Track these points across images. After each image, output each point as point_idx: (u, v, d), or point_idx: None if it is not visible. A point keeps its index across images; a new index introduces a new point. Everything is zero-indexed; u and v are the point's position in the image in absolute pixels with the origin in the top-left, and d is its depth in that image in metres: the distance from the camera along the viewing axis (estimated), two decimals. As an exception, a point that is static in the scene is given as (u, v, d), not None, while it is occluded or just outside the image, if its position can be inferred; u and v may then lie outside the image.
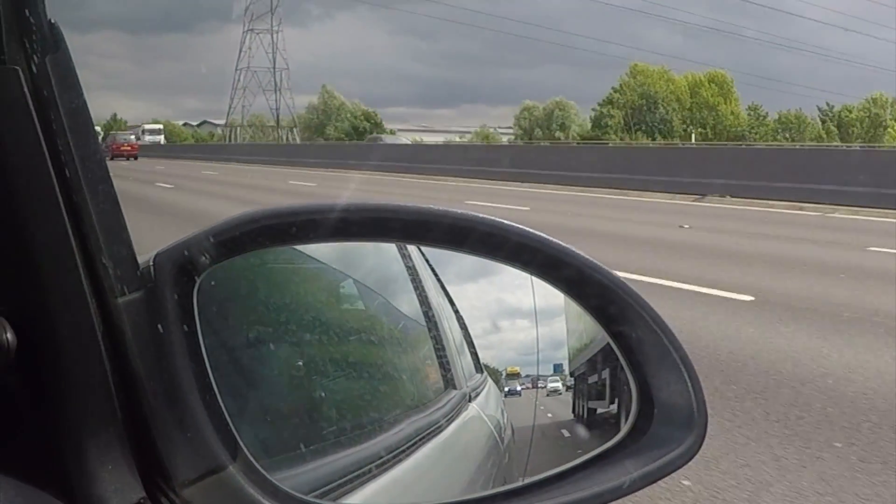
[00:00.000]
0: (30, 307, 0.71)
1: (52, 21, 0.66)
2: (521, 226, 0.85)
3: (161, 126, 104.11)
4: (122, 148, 55.27)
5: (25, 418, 0.73)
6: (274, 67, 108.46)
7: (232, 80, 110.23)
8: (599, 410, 0.97)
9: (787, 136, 77.24)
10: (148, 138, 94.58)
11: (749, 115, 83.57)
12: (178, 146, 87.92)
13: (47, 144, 0.67)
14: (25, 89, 0.66)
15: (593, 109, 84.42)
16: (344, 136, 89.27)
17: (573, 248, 0.87)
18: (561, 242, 0.86)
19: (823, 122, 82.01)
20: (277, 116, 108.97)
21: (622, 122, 79.15)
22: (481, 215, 0.84)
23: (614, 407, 0.93)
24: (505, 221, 0.84)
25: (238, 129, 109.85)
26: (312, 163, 43.50)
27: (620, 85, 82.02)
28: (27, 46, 0.65)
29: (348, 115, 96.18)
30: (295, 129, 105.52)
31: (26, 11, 0.65)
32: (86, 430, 0.72)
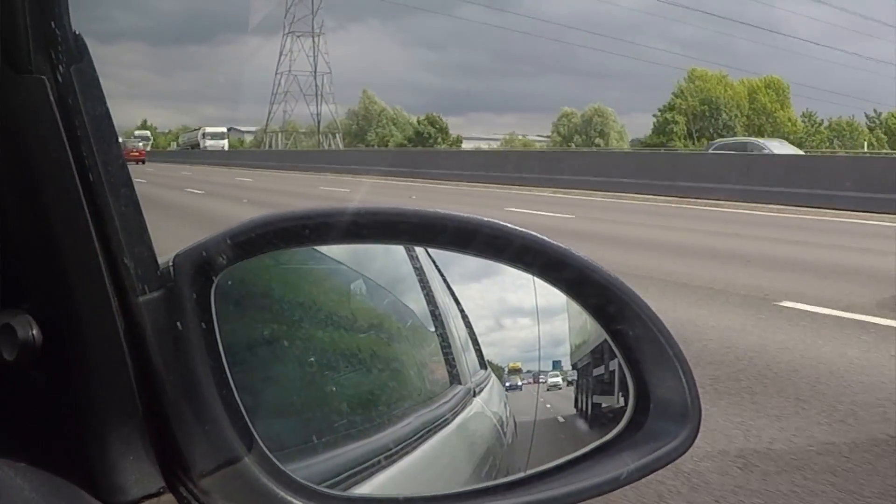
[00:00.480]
0: (55, 305, 0.71)
1: (77, 33, 0.66)
2: (523, 229, 0.85)
3: (224, 130, 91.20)
4: (131, 154, 54.87)
5: (51, 412, 0.73)
6: (315, 71, 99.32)
7: (271, 85, 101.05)
8: (598, 405, 0.96)
9: (840, 143, 74.62)
10: (209, 143, 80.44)
11: (804, 121, 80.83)
12: (243, 152, 77.02)
13: (72, 150, 0.67)
14: (51, 98, 0.65)
15: (654, 115, 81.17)
16: (406, 143, 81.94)
17: (573, 250, 0.86)
18: (561, 245, 0.86)
19: (871, 129, 79.71)
20: (318, 122, 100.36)
21: (685, 128, 76.86)
22: (485, 219, 0.84)
23: (613, 402, 0.93)
24: (508, 224, 0.84)
25: (280, 134, 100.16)
26: (458, 176, 31.22)
27: (680, 90, 79.15)
28: (53, 57, 0.65)
29: (411, 122, 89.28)
30: (338, 135, 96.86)
31: (52, 24, 0.65)
32: (108, 423, 0.72)
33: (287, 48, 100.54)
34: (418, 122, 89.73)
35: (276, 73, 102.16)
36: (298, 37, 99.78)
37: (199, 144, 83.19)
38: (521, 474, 0.91)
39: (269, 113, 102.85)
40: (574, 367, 0.98)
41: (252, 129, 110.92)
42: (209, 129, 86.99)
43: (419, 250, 1.03)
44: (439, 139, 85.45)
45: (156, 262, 0.73)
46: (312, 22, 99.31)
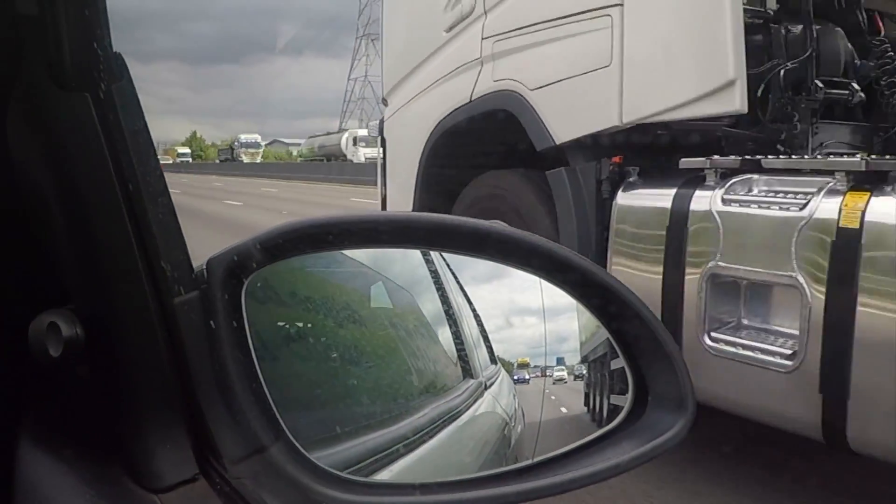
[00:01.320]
0: (97, 305, 0.70)
1: (118, 53, 0.66)
2: (531, 234, 0.84)
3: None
4: None
5: (94, 404, 0.73)
6: (383, 74, 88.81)
7: (344, 91, 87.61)
8: (601, 398, 0.96)
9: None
10: (365, 151, 53.31)
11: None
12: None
13: (113, 162, 0.67)
14: (94, 113, 0.65)
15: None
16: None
17: (577, 254, 0.86)
18: (566, 249, 0.86)
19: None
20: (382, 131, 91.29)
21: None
22: (497, 225, 0.83)
23: (614, 395, 0.92)
24: (517, 230, 0.83)
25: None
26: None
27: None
28: (95, 76, 0.65)
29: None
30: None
31: (95, 45, 0.64)
32: (147, 414, 0.72)
33: (362, 52, 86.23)
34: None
35: (349, 79, 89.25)
36: (373, 40, 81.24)
37: (343, 155, 59.35)
38: (529, 461, 0.90)
39: (341, 121, 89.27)
40: (580, 362, 0.97)
41: (299, 141, 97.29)
42: (361, 133, 58.08)
43: (434, 254, 1.02)
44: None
45: (190, 265, 0.73)
46: (381, 25, 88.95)
